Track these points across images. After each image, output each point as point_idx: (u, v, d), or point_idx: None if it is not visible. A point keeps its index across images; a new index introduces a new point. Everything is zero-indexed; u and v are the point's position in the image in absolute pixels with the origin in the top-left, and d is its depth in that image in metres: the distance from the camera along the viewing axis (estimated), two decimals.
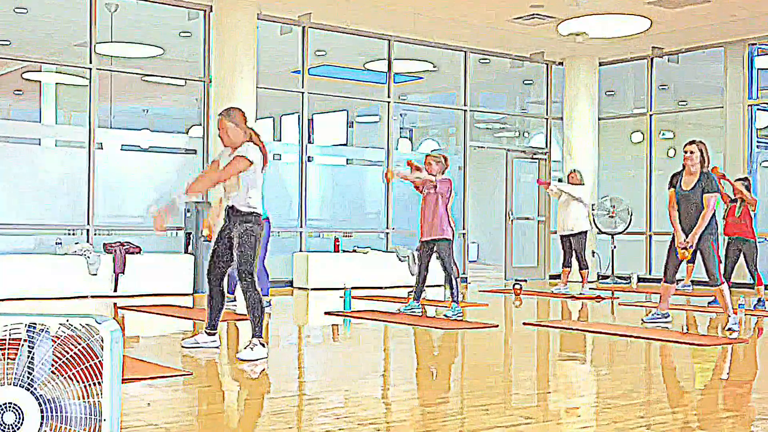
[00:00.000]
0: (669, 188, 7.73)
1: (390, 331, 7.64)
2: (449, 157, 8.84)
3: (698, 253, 7.63)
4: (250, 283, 5.67)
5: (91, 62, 10.89)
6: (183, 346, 6.06)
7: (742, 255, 9.64)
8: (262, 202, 5.93)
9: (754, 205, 9.61)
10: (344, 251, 12.63)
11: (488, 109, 16.32)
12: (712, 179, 7.49)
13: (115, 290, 10.31)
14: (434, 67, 15.00)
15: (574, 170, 11.80)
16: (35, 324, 2.94)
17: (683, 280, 12.22)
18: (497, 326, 7.95)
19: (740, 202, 9.65)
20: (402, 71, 14.47)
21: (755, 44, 13.32)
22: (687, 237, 7.53)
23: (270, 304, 8.73)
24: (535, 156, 15.30)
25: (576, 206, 11.34)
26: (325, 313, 8.79)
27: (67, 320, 2.93)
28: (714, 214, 7.54)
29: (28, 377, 2.91)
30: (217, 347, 6.04)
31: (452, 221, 8.67)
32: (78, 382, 2.90)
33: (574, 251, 11.41)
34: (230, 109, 5.87)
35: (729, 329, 7.37)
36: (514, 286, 11.53)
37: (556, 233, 12.12)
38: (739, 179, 9.81)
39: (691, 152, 7.53)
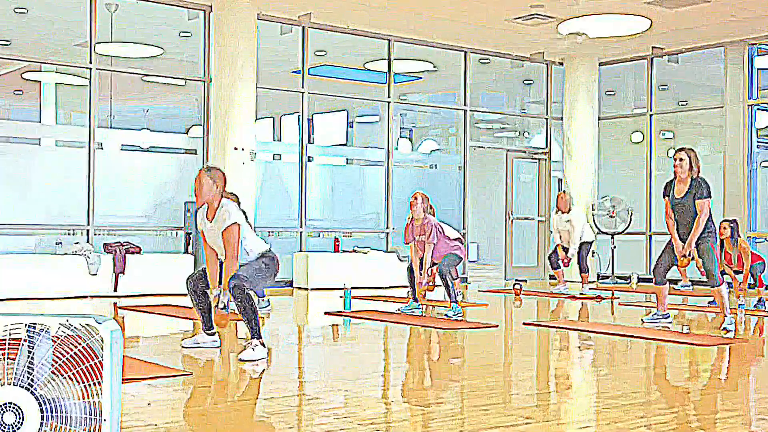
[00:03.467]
0: (663, 197, 7.76)
1: (390, 331, 7.65)
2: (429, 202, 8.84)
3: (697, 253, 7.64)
4: (238, 295, 5.64)
5: (91, 62, 10.89)
6: (183, 346, 6.07)
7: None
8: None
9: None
10: (344, 251, 12.63)
11: (488, 109, 16.31)
12: (702, 185, 7.47)
13: (115, 290, 10.31)
14: (434, 67, 15.00)
15: (563, 191, 11.84)
16: (35, 324, 2.94)
17: (682, 279, 12.23)
18: (497, 326, 7.95)
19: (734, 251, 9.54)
20: (402, 71, 14.47)
21: (755, 44, 13.31)
22: (684, 244, 7.56)
23: (269, 304, 8.74)
24: (535, 156, 15.30)
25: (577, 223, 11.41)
26: (325, 313, 8.79)
27: (67, 320, 2.93)
28: (710, 217, 7.54)
29: (28, 377, 2.91)
30: (217, 347, 6.05)
31: (455, 243, 8.69)
32: (78, 382, 2.90)
33: (578, 258, 11.45)
34: (214, 168, 5.87)
35: (724, 329, 7.37)
36: (514, 286, 11.53)
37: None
38: (726, 221, 9.65)
39: (680, 159, 7.53)
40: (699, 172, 7.55)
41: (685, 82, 15.68)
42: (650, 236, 14.39)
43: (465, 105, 14.17)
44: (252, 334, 5.67)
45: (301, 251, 12.30)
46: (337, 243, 12.65)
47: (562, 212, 11.48)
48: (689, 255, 7.57)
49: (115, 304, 9.51)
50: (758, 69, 13.57)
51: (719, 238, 9.34)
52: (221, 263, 5.82)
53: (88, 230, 10.78)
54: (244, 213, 5.88)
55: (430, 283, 8.95)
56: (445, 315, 8.33)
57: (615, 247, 14.10)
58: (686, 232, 7.56)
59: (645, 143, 14.69)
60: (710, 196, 7.49)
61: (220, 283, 5.76)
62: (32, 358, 2.91)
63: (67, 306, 9.11)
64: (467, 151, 14.21)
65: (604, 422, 4.00)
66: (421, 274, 8.52)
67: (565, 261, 11.44)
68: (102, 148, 11.11)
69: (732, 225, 9.49)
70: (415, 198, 8.49)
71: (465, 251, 8.90)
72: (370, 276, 12.12)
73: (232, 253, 5.66)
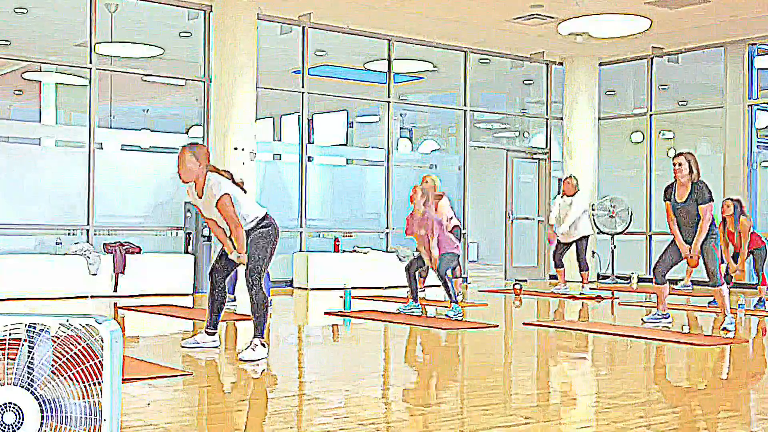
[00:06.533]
0: (664, 200, 7.75)
1: (390, 331, 7.65)
2: (438, 183, 8.91)
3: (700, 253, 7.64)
4: (255, 282, 5.66)
5: (91, 62, 10.89)
6: (183, 346, 6.07)
7: (751, 257, 9.63)
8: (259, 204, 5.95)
9: (744, 232, 9.51)
10: (344, 251, 12.62)
11: (488, 109, 16.31)
12: (704, 189, 7.47)
13: (115, 290, 10.31)
14: (434, 67, 15.00)
15: (570, 176, 11.77)
16: (35, 324, 2.94)
17: (683, 279, 12.23)
18: (497, 326, 7.95)
19: (734, 225, 9.53)
20: (402, 71, 14.47)
21: (755, 44, 13.31)
22: (689, 247, 7.56)
23: (270, 305, 8.73)
24: (535, 156, 15.30)
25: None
26: (325, 313, 8.79)
27: (67, 320, 2.93)
28: (713, 218, 7.55)
29: (28, 377, 2.91)
30: (217, 347, 6.05)
31: (453, 239, 8.65)
32: (78, 382, 2.90)
33: (577, 254, 11.42)
34: (196, 144, 5.89)
35: (724, 329, 7.37)
36: (514, 286, 11.53)
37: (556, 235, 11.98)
38: (730, 199, 9.67)
39: (680, 164, 7.52)
40: (699, 175, 7.54)
41: (685, 82, 15.68)
42: (650, 236, 14.39)
43: (465, 105, 14.17)
44: (255, 332, 5.67)
45: (301, 251, 12.30)
46: (337, 243, 12.65)
47: (567, 195, 11.44)
48: (694, 258, 7.59)
49: (115, 304, 9.51)
50: (758, 69, 13.57)
51: (722, 215, 9.40)
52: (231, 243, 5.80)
53: (88, 230, 10.78)
54: (242, 185, 5.87)
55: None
56: (446, 315, 8.33)
57: (615, 247, 14.10)
58: (690, 235, 7.56)
59: (645, 143, 14.68)
60: (712, 200, 7.50)
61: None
62: (32, 358, 2.91)
63: (67, 306, 9.11)
64: (467, 151, 14.21)
65: (604, 422, 4.00)
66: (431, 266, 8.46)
67: (552, 239, 11.45)
68: (102, 148, 11.11)
69: (735, 203, 9.51)
70: (415, 191, 8.45)
71: (459, 246, 8.80)
72: (370, 276, 12.11)
73: (234, 223, 5.61)
